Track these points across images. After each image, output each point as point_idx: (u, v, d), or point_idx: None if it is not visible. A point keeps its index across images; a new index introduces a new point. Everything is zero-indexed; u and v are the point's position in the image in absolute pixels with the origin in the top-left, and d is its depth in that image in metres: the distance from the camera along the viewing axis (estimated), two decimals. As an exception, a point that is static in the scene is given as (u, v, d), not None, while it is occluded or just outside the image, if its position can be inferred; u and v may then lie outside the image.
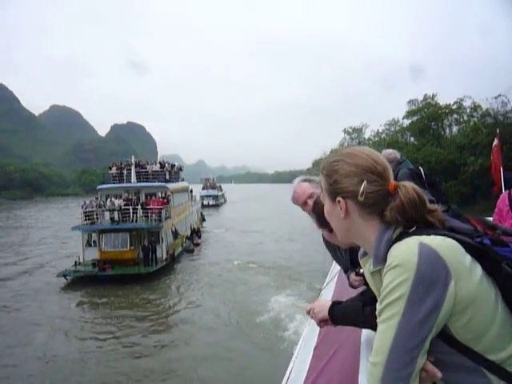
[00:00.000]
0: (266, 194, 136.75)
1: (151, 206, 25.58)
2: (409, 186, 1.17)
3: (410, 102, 66.08)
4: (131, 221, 24.87)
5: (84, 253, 24.83)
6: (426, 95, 64.19)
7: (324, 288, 4.07)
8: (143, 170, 29.70)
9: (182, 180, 36.37)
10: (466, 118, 58.76)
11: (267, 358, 12.73)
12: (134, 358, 13.33)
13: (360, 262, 1.34)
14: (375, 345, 1.05)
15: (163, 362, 12.94)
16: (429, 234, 1.08)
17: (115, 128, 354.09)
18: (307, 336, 2.83)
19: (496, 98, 50.07)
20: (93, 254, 24.27)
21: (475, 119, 54.63)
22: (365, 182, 1.15)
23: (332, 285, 3.81)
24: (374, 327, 1.43)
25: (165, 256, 25.25)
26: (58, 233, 38.66)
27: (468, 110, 58.44)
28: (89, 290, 20.82)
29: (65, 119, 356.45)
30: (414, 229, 1.12)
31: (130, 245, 24.01)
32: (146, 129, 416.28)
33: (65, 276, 22.13)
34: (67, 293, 20.75)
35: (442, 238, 1.07)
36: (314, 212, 1.92)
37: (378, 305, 1.10)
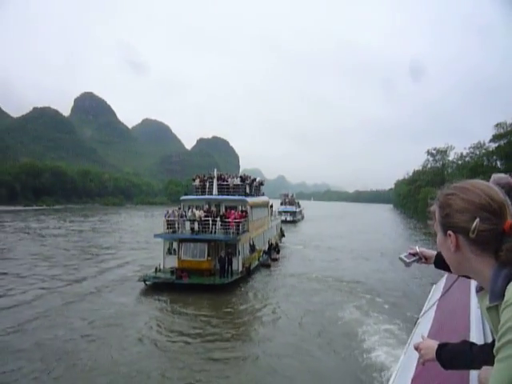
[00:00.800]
0: (345, 212, 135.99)
1: (230, 219, 25.93)
2: None
3: (498, 125, 64.31)
4: (210, 232, 25.34)
5: (164, 260, 25.65)
6: None
7: (421, 316, 3.98)
8: (224, 183, 30.12)
9: (263, 195, 36.60)
10: None
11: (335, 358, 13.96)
12: (208, 351, 14.08)
13: (476, 296, 1.30)
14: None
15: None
16: None
17: (201, 142, 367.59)
18: (404, 364, 2.71)
19: None
20: (172, 262, 24.90)
21: None
22: (477, 220, 1.12)
23: (431, 314, 3.67)
24: (483, 365, 1.53)
25: (240, 269, 25.43)
26: (145, 239, 39.76)
27: None
28: (165, 296, 21.45)
29: (155, 132, 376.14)
30: None
31: (208, 255, 24.40)
32: (230, 143, 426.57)
33: (145, 281, 23.03)
34: (146, 297, 21.52)
35: None
36: None
37: (496, 342, 1.03)
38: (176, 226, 25.84)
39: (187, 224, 25.67)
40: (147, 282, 23.13)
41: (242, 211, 28.00)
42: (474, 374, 1.89)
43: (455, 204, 1.18)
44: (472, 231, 1.12)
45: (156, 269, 24.87)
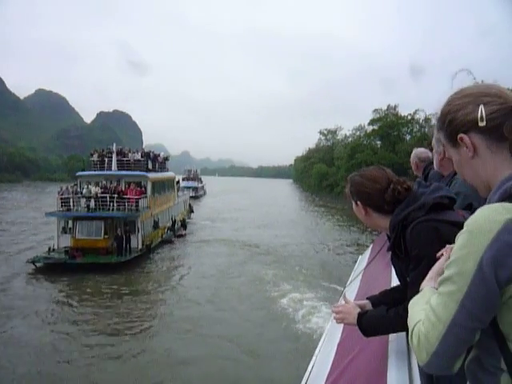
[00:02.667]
0: (248, 187, 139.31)
1: (128, 196, 24.78)
2: None
3: (375, 110, 75.24)
4: (108, 209, 24.07)
5: (59, 240, 23.96)
6: (389, 106, 74.49)
7: (347, 285, 3.93)
8: (125, 159, 28.80)
9: (167, 170, 35.62)
10: (417, 128, 68.05)
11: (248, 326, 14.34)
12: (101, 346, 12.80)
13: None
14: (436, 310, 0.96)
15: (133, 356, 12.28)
16: None
17: (101, 115, 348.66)
18: (331, 331, 2.74)
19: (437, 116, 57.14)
20: (68, 242, 23.39)
21: (425, 129, 62.44)
22: (481, 106, 1.00)
23: (356, 283, 3.72)
24: (401, 330, 1.71)
25: (140, 246, 24.53)
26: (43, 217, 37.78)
27: (421, 122, 67.51)
28: (57, 278, 19.89)
29: (50, 104, 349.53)
30: None
31: (105, 233, 23.21)
32: (132, 117, 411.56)
33: (34, 263, 21.22)
34: (36, 280, 19.82)
35: None
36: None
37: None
38: (71, 203, 24.13)
39: (83, 201, 24.12)
40: (37, 264, 21.31)
41: (141, 187, 26.88)
42: (392, 336, 1.94)
43: (453, 106, 1.06)
44: (480, 118, 0.99)
45: (49, 249, 23.16)
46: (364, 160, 64.77)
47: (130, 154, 29.37)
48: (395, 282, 2.32)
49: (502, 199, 0.95)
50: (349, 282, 4.18)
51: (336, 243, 31.26)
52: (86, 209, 23.92)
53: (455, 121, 1.06)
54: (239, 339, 13.25)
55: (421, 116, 68.52)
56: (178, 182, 41.36)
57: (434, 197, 1.67)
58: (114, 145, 29.16)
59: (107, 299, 17.34)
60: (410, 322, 1.04)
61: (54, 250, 23.29)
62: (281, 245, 29.09)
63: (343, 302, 1.96)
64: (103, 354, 12.34)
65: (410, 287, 1.63)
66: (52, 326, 14.38)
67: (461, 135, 1.05)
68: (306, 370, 2.26)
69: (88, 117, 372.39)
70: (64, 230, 24.11)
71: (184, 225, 34.36)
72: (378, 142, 74.32)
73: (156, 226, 28.47)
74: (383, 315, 1.74)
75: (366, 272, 3.84)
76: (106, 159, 28.37)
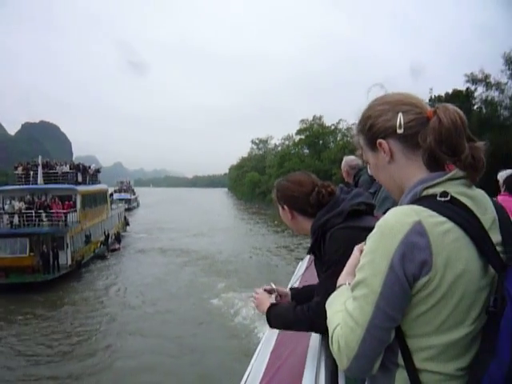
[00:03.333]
0: (183, 197, 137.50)
1: (55, 210, 23.66)
2: (450, 106, 1.04)
3: (302, 121, 78.92)
4: (33, 225, 22.80)
5: None
6: (314, 116, 78.39)
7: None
8: (52, 172, 27.50)
9: (99, 183, 34.41)
10: (340, 137, 71.62)
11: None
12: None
13: None
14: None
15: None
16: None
17: (27, 127, 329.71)
18: (268, 338, 2.68)
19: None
20: None
21: (348, 138, 65.36)
22: (400, 114, 1.05)
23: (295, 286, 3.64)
24: (305, 329, 1.78)
25: (69, 262, 23.43)
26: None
27: (343, 131, 71.45)
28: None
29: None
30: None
31: (30, 251, 21.98)
32: (61, 128, 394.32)
33: None
34: None
35: None
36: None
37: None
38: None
39: (5, 218, 22.69)
40: None
41: (69, 201, 25.70)
42: (313, 338, 1.92)
43: (374, 111, 1.11)
44: (399, 126, 1.04)
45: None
46: (292, 168, 65.17)
47: (57, 167, 28.12)
48: None
49: (412, 202, 0.99)
50: (289, 286, 4.24)
51: (268, 247, 32.87)
52: (8, 225, 22.53)
53: (375, 126, 1.10)
54: (179, 338, 14.17)
55: (343, 126, 72.61)
56: (111, 195, 40.15)
57: (351, 203, 1.73)
58: (40, 157, 27.86)
59: (35, 318, 16.47)
60: (329, 325, 1.05)
61: (-26, 270, 21.66)
62: (217, 251, 29.86)
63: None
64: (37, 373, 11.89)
65: (316, 290, 1.73)
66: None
67: (380, 141, 1.09)
68: (241, 380, 2.20)
69: (12, 128, 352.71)
70: (-14, 249, 22.51)
71: (118, 238, 33.31)
72: (306, 151, 77.83)
73: (88, 240, 27.34)
74: (290, 311, 1.76)
75: (305, 276, 3.87)
76: (32, 172, 27.00)
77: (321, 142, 74.98)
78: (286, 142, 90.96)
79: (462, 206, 0.97)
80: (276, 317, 1.85)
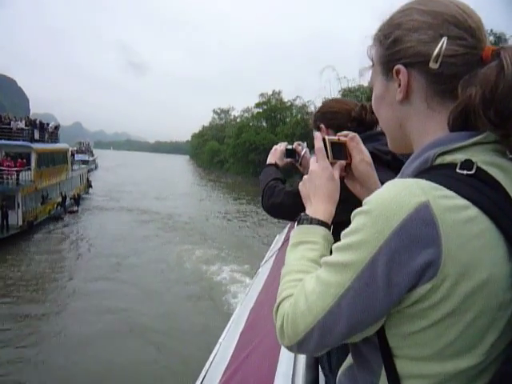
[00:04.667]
0: (144, 162, 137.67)
1: (6, 168, 22.37)
2: None
3: (261, 95, 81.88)
4: (-16, 182, 21.60)
5: None
6: (274, 91, 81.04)
7: (262, 266, 3.81)
8: (6, 127, 25.83)
9: (58, 142, 33.04)
10: (295, 113, 72.82)
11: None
12: None
13: None
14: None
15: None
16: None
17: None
18: (237, 317, 2.59)
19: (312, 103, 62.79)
20: None
21: (304, 116, 65.92)
22: (444, 39, 0.69)
23: (270, 262, 3.60)
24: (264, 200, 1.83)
25: (20, 223, 22.41)
26: None
27: (298, 107, 72.54)
28: None
29: None
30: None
31: None
32: (18, 83, 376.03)
33: None
34: None
35: None
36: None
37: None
38: None
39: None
40: None
41: (23, 159, 24.41)
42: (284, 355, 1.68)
43: (410, 21, 0.73)
44: (435, 57, 0.69)
45: None
46: (248, 139, 73.35)
47: (12, 122, 26.45)
48: None
49: (419, 172, 0.71)
50: (263, 262, 4.08)
51: (223, 211, 35.75)
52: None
53: (401, 44, 0.73)
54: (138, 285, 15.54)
55: (299, 102, 73.90)
56: (72, 155, 38.65)
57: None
58: (-6, 111, 26.15)
59: None
60: (280, 288, 0.82)
61: None
62: (176, 213, 31.78)
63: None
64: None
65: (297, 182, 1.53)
66: None
67: (398, 67, 0.74)
68: (207, 360, 2.07)
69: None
70: None
71: (77, 200, 32.28)
72: (264, 124, 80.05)
73: (43, 201, 26.29)
74: (271, 179, 1.85)
75: (281, 251, 3.72)
76: (-16, 127, 25.35)
77: (278, 116, 77.27)
78: (246, 114, 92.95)
79: (493, 183, 0.66)
80: (264, 172, 1.96)
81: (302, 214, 0.91)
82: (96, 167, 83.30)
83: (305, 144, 2.10)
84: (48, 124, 31.47)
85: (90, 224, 26.91)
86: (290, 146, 2.05)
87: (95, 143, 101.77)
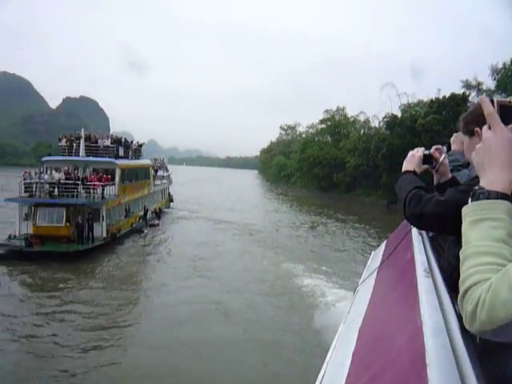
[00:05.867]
0: (215, 177, 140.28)
1: (93, 182, 23.53)
2: None
3: (326, 111, 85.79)
4: (72, 196, 22.80)
5: (20, 226, 22.60)
6: (338, 107, 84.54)
7: (360, 284, 3.57)
8: (94, 145, 27.45)
9: (141, 158, 34.60)
10: (358, 128, 75.85)
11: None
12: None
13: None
14: None
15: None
16: None
17: (67, 101, 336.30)
18: (343, 336, 2.43)
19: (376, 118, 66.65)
20: (29, 229, 22.08)
21: (366, 131, 70.89)
22: None
23: (370, 281, 3.26)
24: (408, 211, 1.71)
25: (104, 235, 23.36)
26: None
27: (361, 122, 75.70)
28: (12, 266, 18.69)
29: (14, 88, 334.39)
30: None
31: (67, 221, 21.94)
32: (100, 104, 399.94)
33: None
34: None
35: None
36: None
37: None
38: (34, 189, 22.73)
39: (46, 187, 22.73)
40: None
41: (108, 174, 25.56)
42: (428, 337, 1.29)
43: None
44: None
45: (9, 236, 21.83)
46: (312, 154, 76.01)
47: (99, 141, 28.01)
48: (421, 278, 1.96)
49: None
50: (361, 281, 3.81)
51: (292, 222, 37.82)
52: (48, 195, 22.58)
53: None
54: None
55: (362, 118, 76.79)
56: (155, 171, 39.93)
57: None
58: (83, 130, 27.79)
59: (65, 287, 16.50)
60: (467, 273, 0.78)
61: (14, 237, 21.94)
62: (251, 224, 33.91)
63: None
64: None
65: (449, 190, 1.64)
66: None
67: None
68: (316, 380, 2.00)
69: (53, 102, 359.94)
70: (27, 217, 22.73)
71: (158, 214, 33.18)
72: (330, 139, 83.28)
73: (126, 214, 27.40)
74: (412, 187, 1.72)
75: (381, 271, 3.43)
76: (75, 145, 27.02)
77: (341, 131, 79.43)
78: (310, 130, 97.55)
79: None
80: (403, 180, 1.82)
81: (477, 187, 0.85)
82: (171, 182, 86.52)
83: (444, 148, 1.93)
84: (132, 142, 32.91)
85: (171, 233, 29.06)
86: (427, 152, 1.95)
87: (169, 159, 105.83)
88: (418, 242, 2.73)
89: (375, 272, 3.42)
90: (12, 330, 12.52)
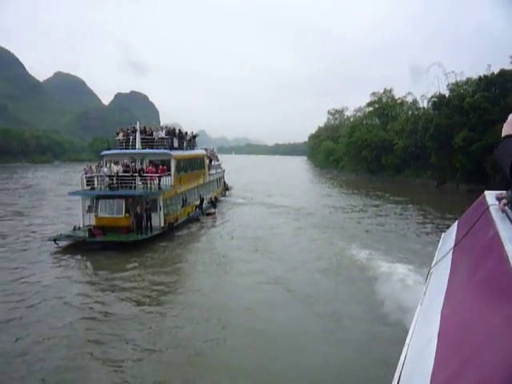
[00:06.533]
0: (264, 164, 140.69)
1: (149, 174, 24.12)
2: None
3: (373, 93, 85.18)
4: (130, 188, 23.51)
5: (84, 218, 23.71)
6: (385, 89, 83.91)
7: (433, 267, 3.51)
8: (149, 137, 28.13)
9: (196, 148, 35.27)
10: (406, 110, 75.74)
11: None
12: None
13: None
14: None
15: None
16: None
17: (119, 97, 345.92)
18: (422, 317, 2.40)
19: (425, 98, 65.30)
20: (92, 220, 23.13)
21: (413, 112, 70.85)
22: None
23: (445, 263, 3.21)
24: None
25: (162, 224, 24.01)
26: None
27: (409, 103, 75.55)
28: (77, 257, 19.61)
29: (69, 86, 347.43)
30: None
31: (126, 212, 22.67)
32: (149, 98, 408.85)
33: (55, 241, 21.14)
34: (56, 258, 19.55)
35: None
36: None
37: None
38: (95, 182, 23.71)
39: (106, 180, 23.63)
40: (57, 242, 21.17)
41: (164, 165, 26.13)
42: None
43: None
44: None
45: (74, 227, 23.04)
46: (360, 137, 76.01)
47: (154, 133, 28.64)
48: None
49: None
50: (434, 263, 3.73)
51: (343, 205, 38.45)
52: (107, 188, 23.44)
53: None
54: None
55: (409, 99, 76.46)
56: (210, 161, 40.58)
57: None
58: (138, 123, 28.41)
59: (127, 273, 17.27)
60: None
61: (79, 228, 23.09)
62: (301, 207, 35.19)
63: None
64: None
65: None
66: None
67: None
68: (398, 362, 1.95)
69: (105, 98, 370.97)
70: (90, 209, 23.74)
71: (214, 203, 33.67)
72: (377, 121, 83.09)
73: (183, 204, 28.02)
74: None
75: (458, 250, 3.32)
76: (131, 138, 27.82)
77: (389, 113, 79.26)
78: (358, 114, 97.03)
79: None
80: (506, 144, 1.70)
81: None
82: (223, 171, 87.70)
83: None
84: (186, 132, 33.40)
85: (228, 219, 30.10)
86: None
87: (218, 149, 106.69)
88: (502, 219, 2.60)
89: (450, 253, 3.38)
90: (87, 307, 13.51)
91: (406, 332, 2.35)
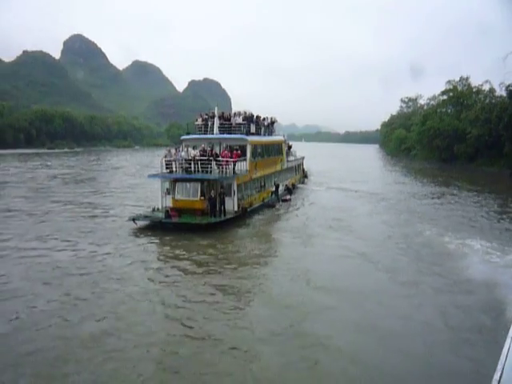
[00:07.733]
0: (336, 152, 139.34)
1: (225, 158, 24.37)
2: None
3: (448, 82, 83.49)
4: (206, 172, 23.93)
5: (162, 200, 24.60)
6: (461, 77, 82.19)
7: None
8: (227, 122, 28.42)
9: (274, 134, 35.26)
10: (482, 98, 73.23)
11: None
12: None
13: None
14: None
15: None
16: None
17: (192, 84, 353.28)
18: None
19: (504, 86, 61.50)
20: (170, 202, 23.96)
21: (489, 100, 69.63)
22: None
23: None
24: None
25: (235, 208, 24.28)
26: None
27: (486, 92, 73.41)
28: (155, 236, 20.46)
29: (146, 75, 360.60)
30: None
31: (201, 195, 23.16)
32: (222, 85, 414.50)
33: (134, 220, 22.12)
34: (135, 236, 20.49)
35: None
36: None
37: None
38: (173, 166, 24.45)
39: (183, 164, 24.19)
40: (136, 222, 22.15)
41: (238, 150, 26.30)
42: None
43: None
44: None
45: (153, 208, 24.06)
46: (432, 126, 76.18)
47: (231, 118, 28.82)
48: None
49: None
50: None
51: (417, 192, 38.86)
52: (185, 171, 24.02)
53: None
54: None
55: (486, 87, 74.30)
56: (289, 147, 40.01)
57: None
58: (216, 108, 28.74)
59: (201, 254, 17.68)
60: None
61: (158, 209, 24.00)
62: (375, 192, 36.35)
63: None
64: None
65: None
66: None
67: None
68: (495, 370, 2.04)
69: (180, 85, 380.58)
70: (168, 191, 24.51)
71: (290, 189, 33.44)
72: (451, 110, 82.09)
73: (259, 190, 28.17)
74: None
75: None
76: (209, 123, 28.22)
77: (464, 102, 77.74)
78: (432, 102, 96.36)
79: None
80: None
81: None
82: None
83: None
84: (264, 119, 33.27)
85: (305, 204, 30.92)
86: None
87: (288, 136, 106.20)
88: None
89: None
90: (164, 284, 13.96)
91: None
